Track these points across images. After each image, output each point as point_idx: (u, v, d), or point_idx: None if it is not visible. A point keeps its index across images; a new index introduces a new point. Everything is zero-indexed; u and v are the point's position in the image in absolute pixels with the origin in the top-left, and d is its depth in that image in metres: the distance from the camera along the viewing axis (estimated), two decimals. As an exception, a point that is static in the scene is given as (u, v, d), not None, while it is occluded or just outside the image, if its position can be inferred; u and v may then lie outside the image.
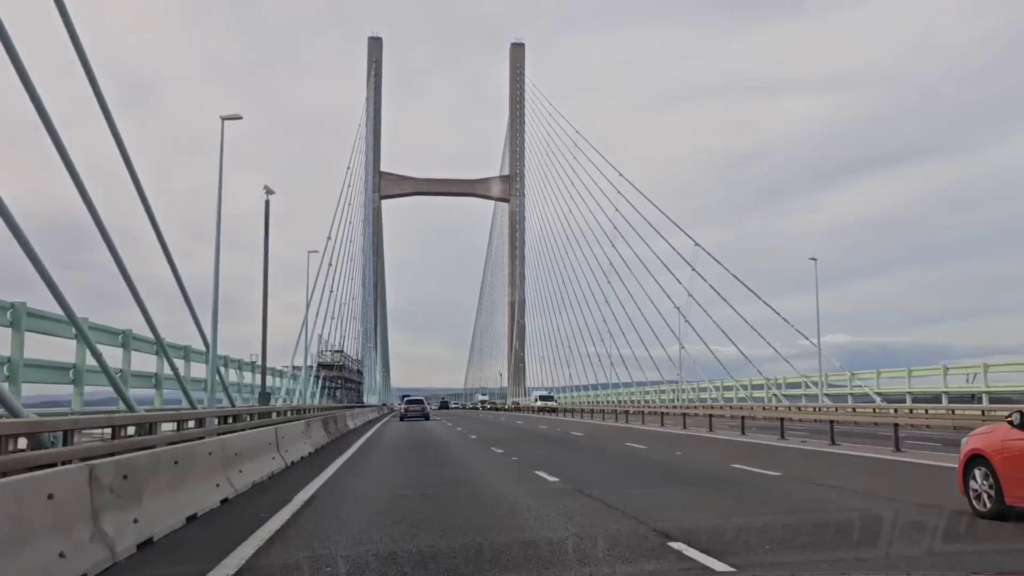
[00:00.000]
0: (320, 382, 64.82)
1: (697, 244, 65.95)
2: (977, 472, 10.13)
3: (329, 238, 71.69)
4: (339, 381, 76.94)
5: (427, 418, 61.83)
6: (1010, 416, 9.91)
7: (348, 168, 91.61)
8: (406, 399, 70.36)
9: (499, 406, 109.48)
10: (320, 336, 66.87)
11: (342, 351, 79.52)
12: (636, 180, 72.15)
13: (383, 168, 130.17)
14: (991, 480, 9.81)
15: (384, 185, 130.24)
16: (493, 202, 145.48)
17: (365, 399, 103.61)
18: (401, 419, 61.33)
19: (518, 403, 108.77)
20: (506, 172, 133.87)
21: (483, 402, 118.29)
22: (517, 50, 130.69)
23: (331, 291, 71.88)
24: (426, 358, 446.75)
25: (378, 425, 52.26)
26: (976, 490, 10.13)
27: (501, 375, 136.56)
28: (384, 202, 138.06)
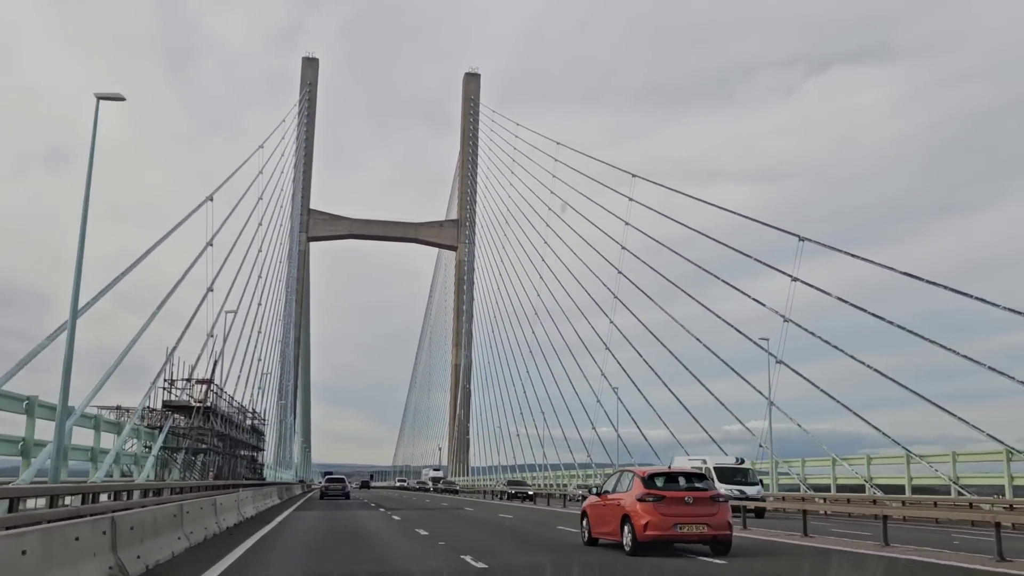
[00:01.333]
0: (163, 440, 38.49)
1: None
2: (583, 520, 19.63)
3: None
4: (211, 441, 44.86)
5: (347, 496, 61.88)
6: (591, 490, 25.56)
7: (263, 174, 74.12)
8: (327, 476, 70.50)
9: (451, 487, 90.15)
10: (183, 361, 41.32)
11: (216, 385, 45.09)
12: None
13: (314, 206, 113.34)
14: (587, 524, 19.32)
15: (314, 225, 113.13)
16: (437, 251, 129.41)
17: (271, 474, 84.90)
18: (321, 496, 62.33)
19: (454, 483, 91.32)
20: (454, 216, 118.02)
21: (435, 480, 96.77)
22: (471, 80, 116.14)
23: (234, 323, 54.00)
24: (350, 434, 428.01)
25: (287, 513, 34.89)
26: (582, 530, 19.70)
27: (440, 449, 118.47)
28: (313, 246, 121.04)
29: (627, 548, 16.66)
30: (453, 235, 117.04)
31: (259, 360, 67.86)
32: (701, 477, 18.22)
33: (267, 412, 79.59)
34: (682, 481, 17.62)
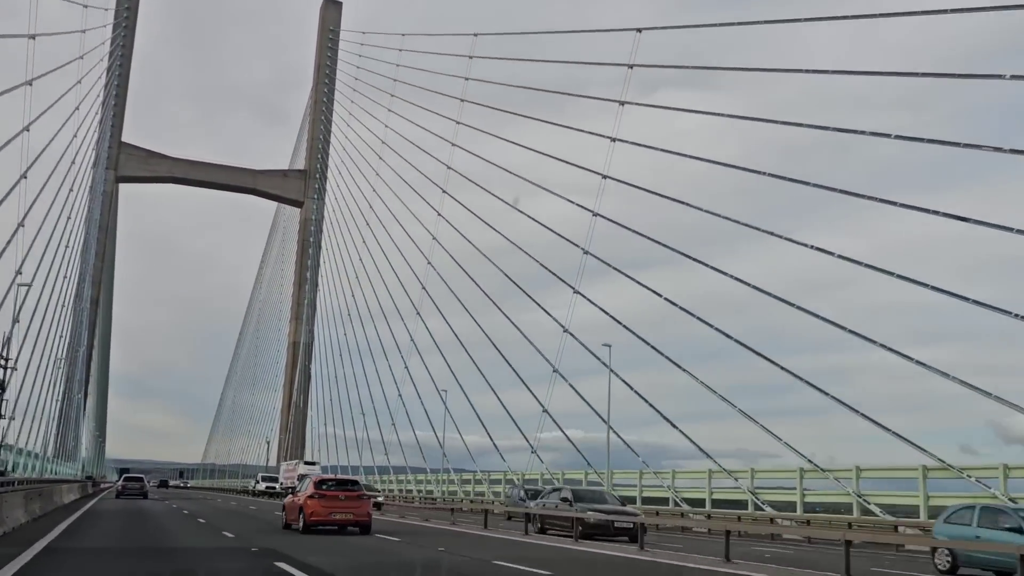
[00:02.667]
0: None
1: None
2: (282, 511, 27.98)
3: None
4: None
5: (145, 496, 59.54)
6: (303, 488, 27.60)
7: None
8: (125, 476, 68.64)
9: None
10: None
11: None
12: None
13: (127, 138, 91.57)
14: (282, 513, 27.70)
15: (125, 161, 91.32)
16: (276, 207, 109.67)
17: (26, 466, 63.22)
18: (117, 496, 60.09)
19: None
20: (302, 166, 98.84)
21: (270, 485, 76.41)
22: (331, 8, 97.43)
23: None
24: (153, 430, 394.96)
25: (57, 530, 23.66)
26: (281, 518, 27.80)
27: (268, 444, 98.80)
28: (125, 191, 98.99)
29: (300, 529, 25.12)
30: (299, 188, 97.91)
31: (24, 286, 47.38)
32: (355, 482, 27.85)
33: (30, 366, 56.76)
34: (339, 485, 26.42)
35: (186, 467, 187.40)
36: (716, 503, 42.35)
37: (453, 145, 59.06)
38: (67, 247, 67.31)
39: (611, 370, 43.99)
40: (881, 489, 36.43)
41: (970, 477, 32.33)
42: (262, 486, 79.65)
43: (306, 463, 72.78)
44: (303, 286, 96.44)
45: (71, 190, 62.98)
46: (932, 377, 31.66)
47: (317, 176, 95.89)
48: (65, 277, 67.53)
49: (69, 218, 63.49)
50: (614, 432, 45.27)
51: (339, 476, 32.67)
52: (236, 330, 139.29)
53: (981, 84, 33.08)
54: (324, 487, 25.51)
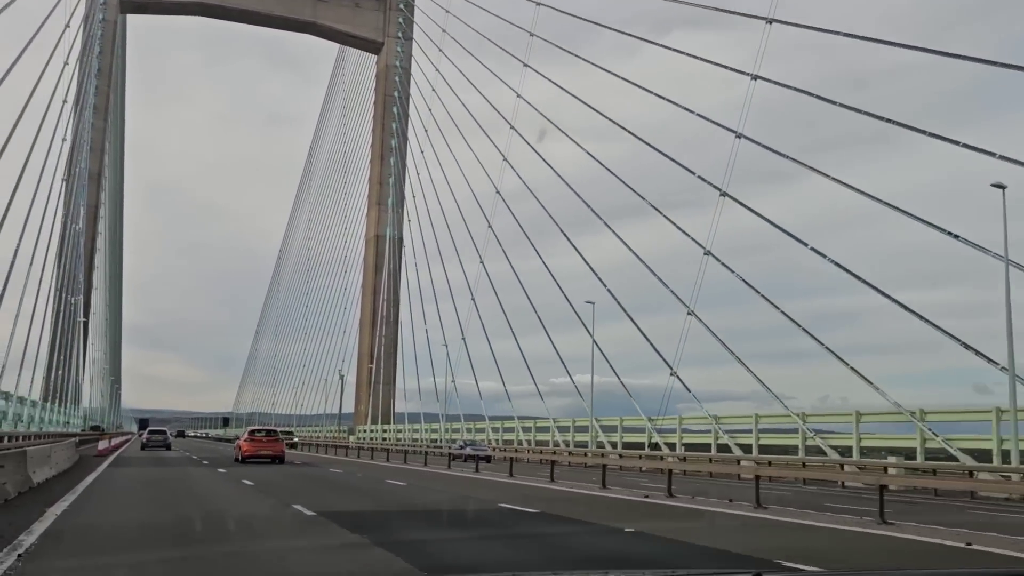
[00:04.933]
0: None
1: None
2: (236, 450, 39.44)
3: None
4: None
5: (168, 448, 56.72)
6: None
7: None
8: (149, 430, 67.22)
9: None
10: None
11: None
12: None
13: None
14: (236, 451, 39.04)
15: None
16: (337, 51, 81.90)
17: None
18: (142, 448, 56.80)
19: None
20: (379, -7, 70.64)
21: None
22: None
23: None
24: (169, 379, 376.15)
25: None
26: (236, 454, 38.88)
27: (342, 379, 71.72)
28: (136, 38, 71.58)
29: (238, 460, 36.33)
30: (377, 23, 69.85)
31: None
32: (273, 432, 39.81)
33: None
34: (264, 432, 39.05)
35: (208, 416, 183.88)
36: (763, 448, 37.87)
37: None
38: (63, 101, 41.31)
39: (628, 316, 40.81)
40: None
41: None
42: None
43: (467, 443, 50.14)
44: (386, 159, 68.82)
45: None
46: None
47: (402, 6, 68.01)
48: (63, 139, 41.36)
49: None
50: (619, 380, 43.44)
51: (265, 427, 46.99)
52: (263, 275, 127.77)
53: None
54: (254, 434, 38.56)
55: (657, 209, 39.38)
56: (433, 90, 57.58)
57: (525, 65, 49.28)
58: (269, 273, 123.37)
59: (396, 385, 65.70)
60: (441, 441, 53.76)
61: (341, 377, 69.30)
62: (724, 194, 33.29)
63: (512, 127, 49.79)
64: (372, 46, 70.86)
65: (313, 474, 29.37)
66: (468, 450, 39.31)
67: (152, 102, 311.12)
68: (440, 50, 56.56)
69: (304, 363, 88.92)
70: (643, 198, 40.62)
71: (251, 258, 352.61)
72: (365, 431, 64.58)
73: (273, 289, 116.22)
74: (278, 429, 46.78)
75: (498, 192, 50.78)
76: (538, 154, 47.77)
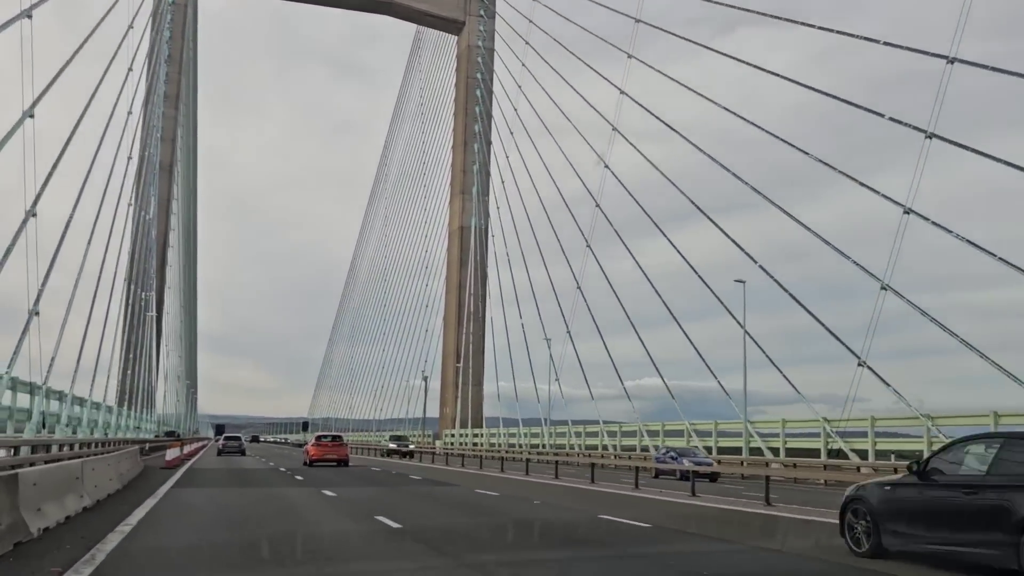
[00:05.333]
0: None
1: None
2: (304, 454, 42.84)
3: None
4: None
5: (243, 453, 56.33)
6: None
7: None
8: (225, 436, 65.91)
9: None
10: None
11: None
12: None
13: None
14: (304, 455, 42.59)
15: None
16: (414, 34, 77.94)
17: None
18: (218, 453, 56.07)
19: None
20: (459, -31, 66.38)
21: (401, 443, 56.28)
22: None
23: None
24: (243, 385, 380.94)
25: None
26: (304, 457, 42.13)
27: (425, 380, 67.51)
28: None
29: (307, 463, 38.22)
30: (458, 1, 65.63)
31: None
32: (338, 437, 42.69)
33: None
34: (330, 438, 41.84)
35: (281, 421, 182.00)
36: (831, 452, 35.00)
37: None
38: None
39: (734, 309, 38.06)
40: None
41: None
42: (392, 444, 56.73)
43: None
44: (469, 146, 64.44)
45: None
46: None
47: (485, -20, 63.66)
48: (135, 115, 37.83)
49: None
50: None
51: (331, 433, 54.14)
52: (334, 281, 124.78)
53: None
54: (321, 439, 41.52)
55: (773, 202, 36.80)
56: (523, 64, 53.08)
57: (630, 56, 45.22)
58: (341, 278, 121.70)
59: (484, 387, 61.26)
60: (544, 446, 49.09)
61: (424, 379, 64.95)
62: (932, 136, 27.74)
63: (613, 127, 45.70)
64: (453, 26, 66.56)
65: (447, 497, 20.70)
66: (685, 463, 29.16)
67: (222, 113, 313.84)
68: (530, 20, 52.00)
69: (383, 365, 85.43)
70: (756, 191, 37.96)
71: (322, 264, 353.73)
72: (453, 436, 60.19)
73: (347, 293, 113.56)
74: (406, 435, 52.97)
75: (592, 194, 46.30)
76: (640, 152, 43.76)
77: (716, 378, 40.59)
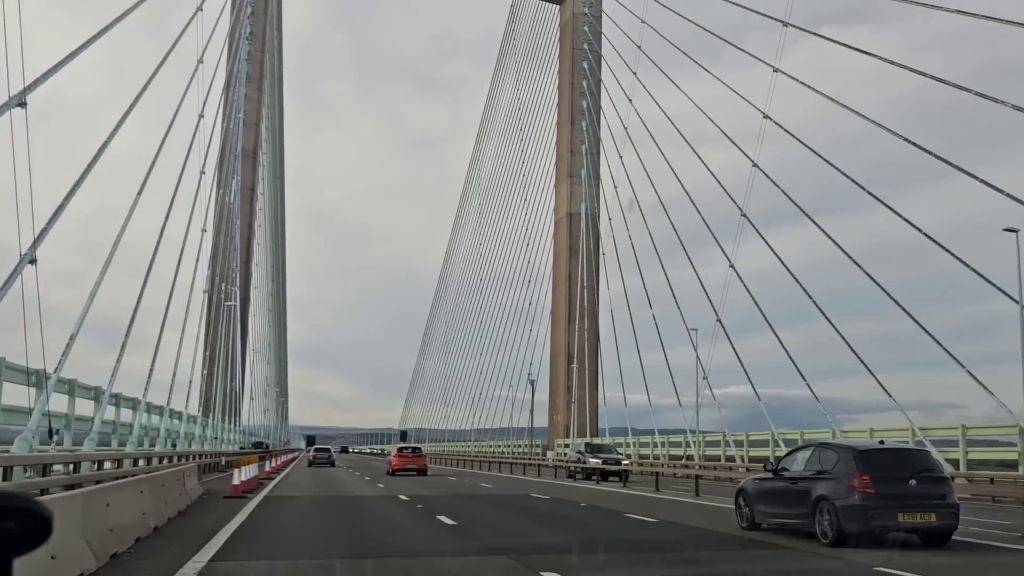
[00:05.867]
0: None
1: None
2: (388, 464, 44.87)
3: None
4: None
5: (332, 464, 57.33)
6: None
7: None
8: (315, 448, 68.18)
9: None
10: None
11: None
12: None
13: None
14: (387, 465, 44.76)
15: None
16: (508, 13, 72.19)
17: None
18: (309, 464, 57.54)
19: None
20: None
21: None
22: None
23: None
24: (330, 396, 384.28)
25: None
26: (387, 468, 44.07)
27: (533, 383, 61.08)
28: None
29: (390, 473, 40.30)
30: (561, -36, 59.50)
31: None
32: (417, 449, 45.90)
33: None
34: (411, 449, 44.37)
35: (370, 432, 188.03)
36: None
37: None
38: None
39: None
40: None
41: None
42: (592, 459, 41.67)
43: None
44: (576, 124, 58.08)
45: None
46: None
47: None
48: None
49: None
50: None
51: (413, 444, 64.93)
52: (423, 293, 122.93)
53: None
54: (401, 449, 44.62)
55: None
56: (641, 26, 46.51)
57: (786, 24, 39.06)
58: (430, 289, 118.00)
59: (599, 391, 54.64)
60: (693, 457, 42.34)
61: (531, 382, 58.66)
62: None
63: (765, 115, 39.24)
64: (555, -7, 60.46)
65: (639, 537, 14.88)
66: None
67: (306, 129, 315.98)
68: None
69: (481, 370, 79.58)
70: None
71: (411, 276, 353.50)
72: (567, 446, 53.88)
73: (438, 302, 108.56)
74: (609, 443, 47.54)
75: (726, 190, 39.28)
76: (800, 138, 36.72)
77: (808, 385, 38.54)
